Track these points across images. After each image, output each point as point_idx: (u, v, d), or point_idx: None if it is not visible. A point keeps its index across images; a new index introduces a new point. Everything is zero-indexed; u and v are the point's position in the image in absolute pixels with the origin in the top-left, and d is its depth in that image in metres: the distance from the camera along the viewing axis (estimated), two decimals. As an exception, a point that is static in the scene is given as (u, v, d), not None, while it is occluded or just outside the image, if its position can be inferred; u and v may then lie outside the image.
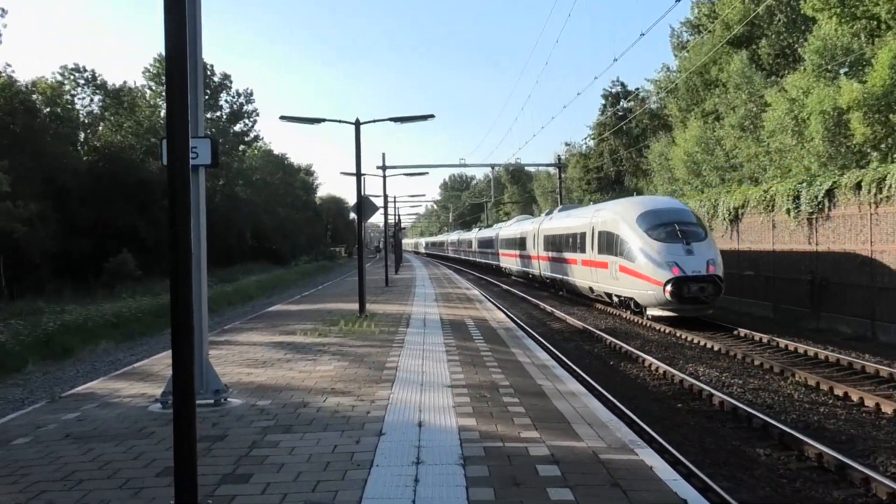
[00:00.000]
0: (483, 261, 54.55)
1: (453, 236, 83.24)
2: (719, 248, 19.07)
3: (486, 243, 52.50)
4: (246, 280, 40.23)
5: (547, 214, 32.51)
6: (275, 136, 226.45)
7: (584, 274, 23.32)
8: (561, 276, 27.00)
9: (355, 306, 17.04)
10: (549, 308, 23.35)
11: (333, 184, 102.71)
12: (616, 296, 20.44)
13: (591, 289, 22.87)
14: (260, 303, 31.19)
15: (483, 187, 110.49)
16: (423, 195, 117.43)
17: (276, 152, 70.68)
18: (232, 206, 51.36)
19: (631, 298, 19.18)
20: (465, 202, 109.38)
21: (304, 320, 16.11)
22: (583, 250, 23.13)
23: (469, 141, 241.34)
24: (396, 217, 49.02)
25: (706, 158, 30.52)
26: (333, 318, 15.78)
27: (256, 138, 64.84)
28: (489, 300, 23.80)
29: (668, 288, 17.30)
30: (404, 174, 34.60)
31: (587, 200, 51.95)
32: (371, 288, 25.81)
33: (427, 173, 36.13)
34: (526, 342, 12.32)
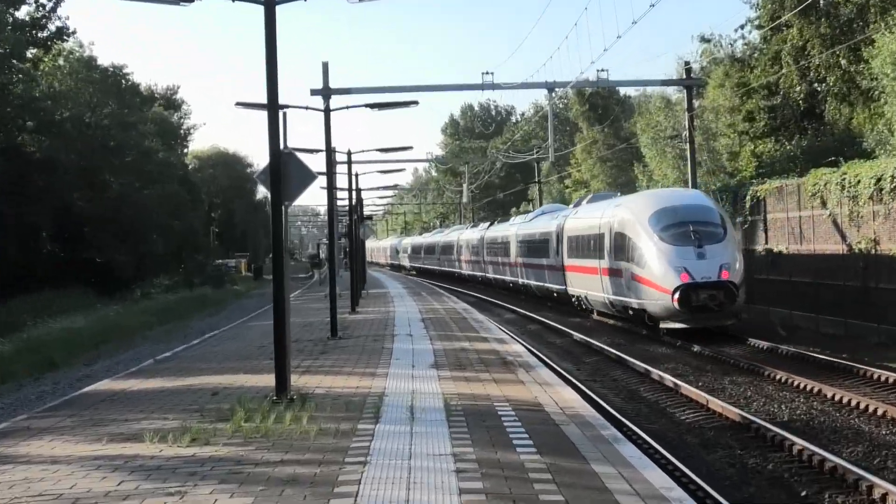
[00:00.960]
0: (492, 276, 65.12)
1: (467, 234, 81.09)
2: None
3: (500, 248, 61.90)
4: (42, 328, 40.33)
5: (574, 206, 46.23)
6: (103, 38, 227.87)
7: (605, 285, 36.16)
8: (586, 292, 40.43)
9: (269, 380, 17.07)
10: (669, 379, 23.51)
11: (221, 130, 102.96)
12: (630, 308, 33.47)
13: (611, 303, 36.13)
14: (71, 374, 31.27)
15: (533, 129, 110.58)
16: (410, 148, 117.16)
17: (104, 65, 71.18)
18: (15, 175, 51.54)
19: (643, 309, 31.92)
20: (495, 159, 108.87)
21: (163, 410, 16.16)
22: (601, 256, 36.11)
23: (498, 44, 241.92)
24: (354, 195, 49.18)
25: None
26: (224, 407, 15.80)
27: (62, 34, 64.98)
28: (545, 363, 23.82)
29: (677, 296, 29.20)
30: (367, 105, 34.51)
31: (747, 155, 51.99)
32: (303, 342, 25.94)
33: (416, 103, 34.92)
34: (623, 451, 12.30)
